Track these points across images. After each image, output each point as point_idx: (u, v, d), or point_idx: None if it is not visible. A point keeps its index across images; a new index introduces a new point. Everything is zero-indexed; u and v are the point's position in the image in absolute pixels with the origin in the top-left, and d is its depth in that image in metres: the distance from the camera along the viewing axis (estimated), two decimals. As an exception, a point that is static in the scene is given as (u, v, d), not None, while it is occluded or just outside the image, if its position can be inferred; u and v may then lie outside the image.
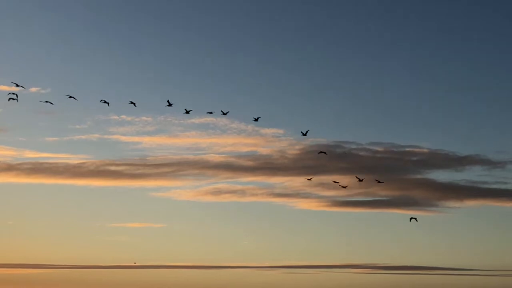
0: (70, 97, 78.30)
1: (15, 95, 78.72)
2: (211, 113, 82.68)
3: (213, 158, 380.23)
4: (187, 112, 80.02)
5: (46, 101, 78.28)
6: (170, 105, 79.15)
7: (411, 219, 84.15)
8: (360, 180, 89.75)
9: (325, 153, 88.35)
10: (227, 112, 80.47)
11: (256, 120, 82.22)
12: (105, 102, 78.48)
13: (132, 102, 79.23)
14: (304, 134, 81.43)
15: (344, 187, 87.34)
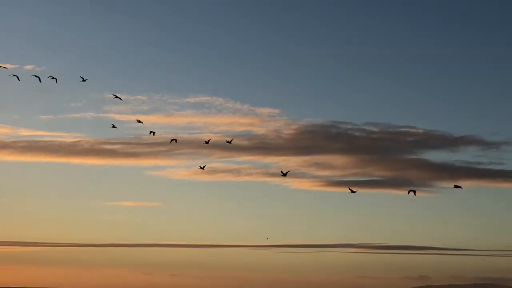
0: (83, 80, 77.37)
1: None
2: (84, 80, 79.81)
3: (208, 138, 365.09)
4: (84, 80, 77.95)
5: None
6: (84, 80, 77.79)
7: (351, 190, 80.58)
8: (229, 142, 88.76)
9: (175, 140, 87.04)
10: (85, 79, 78.62)
11: (83, 80, 79.24)
12: (83, 80, 77.08)
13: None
14: (116, 97, 79.02)
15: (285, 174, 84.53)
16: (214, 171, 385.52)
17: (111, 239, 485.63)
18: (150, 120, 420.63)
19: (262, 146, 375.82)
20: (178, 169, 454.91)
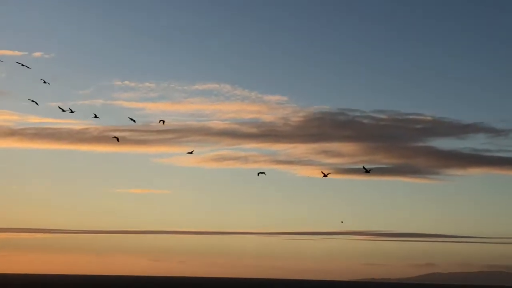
0: (23, 65, 77.02)
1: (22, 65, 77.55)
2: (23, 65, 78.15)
3: (216, 125, 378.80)
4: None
5: (22, 65, 76.89)
6: (22, 65, 77.17)
7: (259, 173, 79.32)
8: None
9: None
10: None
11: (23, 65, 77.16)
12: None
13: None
14: (24, 65, 77.49)
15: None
16: (222, 158, 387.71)
17: (119, 226, 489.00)
18: (159, 107, 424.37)
19: (270, 133, 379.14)
20: (186, 156, 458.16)
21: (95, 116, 78.07)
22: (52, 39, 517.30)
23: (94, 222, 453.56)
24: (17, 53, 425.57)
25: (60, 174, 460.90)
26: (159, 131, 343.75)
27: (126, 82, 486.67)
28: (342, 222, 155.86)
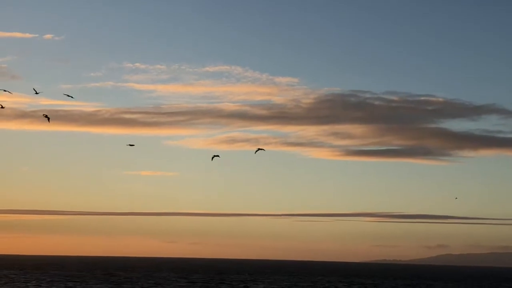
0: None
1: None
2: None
3: (227, 107, 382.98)
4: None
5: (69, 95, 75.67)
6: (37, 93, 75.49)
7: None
8: None
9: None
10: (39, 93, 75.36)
11: (36, 93, 75.51)
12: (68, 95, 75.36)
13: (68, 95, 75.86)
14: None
15: None
16: (233, 140, 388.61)
17: (131, 208, 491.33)
18: (169, 89, 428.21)
19: (280, 115, 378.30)
20: (197, 138, 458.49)
21: (68, 96, 76.19)
22: (62, 21, 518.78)
23: (105, 204, 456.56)
24: (27, 35, 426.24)
25: (71, 156, 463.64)
26: (170, 114, 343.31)
27: (137, 64, 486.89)
28: (456, 198, 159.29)
